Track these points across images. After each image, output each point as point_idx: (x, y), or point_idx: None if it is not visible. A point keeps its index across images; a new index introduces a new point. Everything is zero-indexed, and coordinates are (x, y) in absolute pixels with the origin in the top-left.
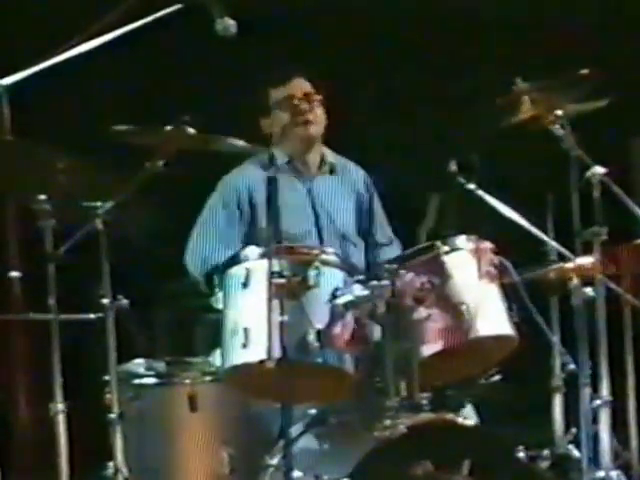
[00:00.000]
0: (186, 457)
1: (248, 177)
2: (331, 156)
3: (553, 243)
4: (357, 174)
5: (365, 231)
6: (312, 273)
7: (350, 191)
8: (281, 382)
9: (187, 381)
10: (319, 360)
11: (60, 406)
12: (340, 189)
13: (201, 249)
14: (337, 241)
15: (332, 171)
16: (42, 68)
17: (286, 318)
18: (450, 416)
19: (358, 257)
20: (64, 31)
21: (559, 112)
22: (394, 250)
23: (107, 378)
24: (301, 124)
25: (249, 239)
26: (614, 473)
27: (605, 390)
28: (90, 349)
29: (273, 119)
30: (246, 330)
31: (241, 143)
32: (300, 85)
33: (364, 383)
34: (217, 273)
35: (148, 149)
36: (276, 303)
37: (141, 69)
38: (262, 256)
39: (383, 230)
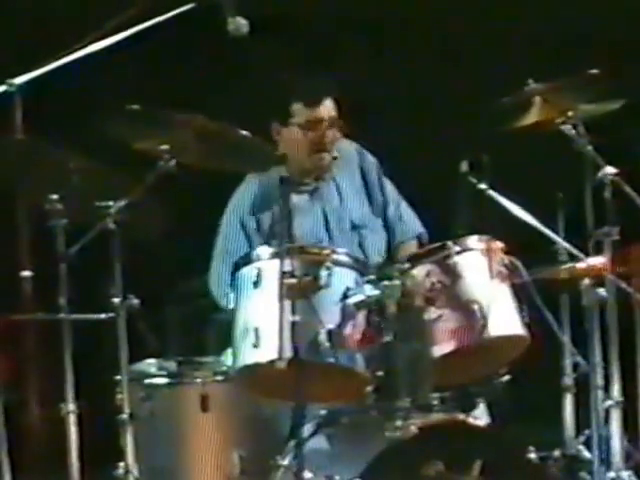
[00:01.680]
0: (197, 457)
1: (251, 195)
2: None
3: (564, 243)
4: (352, 154)
5: (380, 207)
6: (323, 273)
7: (352, 175)
8: (292, 382)
9: (198, 381)
10: (330, 360)
11: (71, 406)
12: (343, 179)
13: (219, 283)
14: (348, 235)
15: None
16: (54, 67)
17: (297, 318)
18: (461, 417)
19: (379, 240)
20: (77, 30)
21: (571, 113)
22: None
23: (118, 378)
24: (318, 153)
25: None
26: (625, 474)
27: (616, 391)
28: (101, 349)
29: (289, 134)
30: (257, 330)
31: (250, 136)
32: (325, 110)
33: (377, 383)
34: None
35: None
36: (287, 303)
37: (154, 68)
38: (273, 256)
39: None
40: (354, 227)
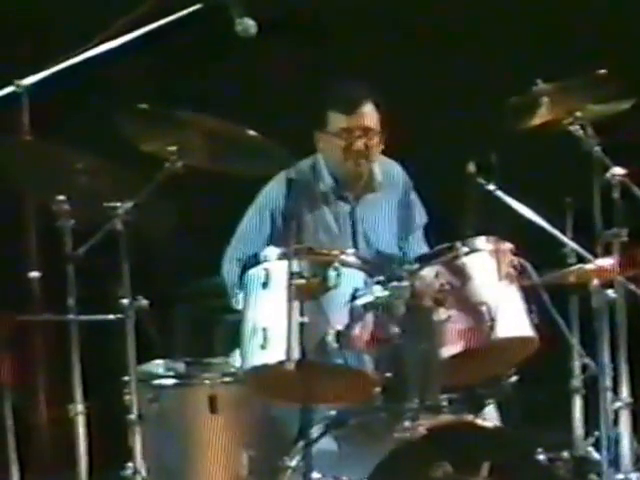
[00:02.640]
0: (205, 458)
1: (284, 191)
2: (379, 174)
3: (573, 244)
4: (399, 179)
5: (406, 241)
6: (332, 274)
7: (393, 202)
8: (300, 383)
9: (206, 382)
10: (339, 361)
11: (79, 407)
12: (383, 205)
13: (236, 273)
14: None
15: (376, 189)
16: (62, 68)
17: (306, 319)
18: (470, 418)
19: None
20: (85, 31)
21: (579, 113)
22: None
23: (126, 379)
24: (353, 160)
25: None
26: (634, 476)
27: (625, 392)
28: (109, 350)
29: (325, 141)
30: (265, 331)
31: (259, 136)
32: (362, 118)
33: (386, 384)
34: None
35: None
36: (296, 304)
37: (162, 69)
38: (282, 257)
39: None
40: (378, 255)
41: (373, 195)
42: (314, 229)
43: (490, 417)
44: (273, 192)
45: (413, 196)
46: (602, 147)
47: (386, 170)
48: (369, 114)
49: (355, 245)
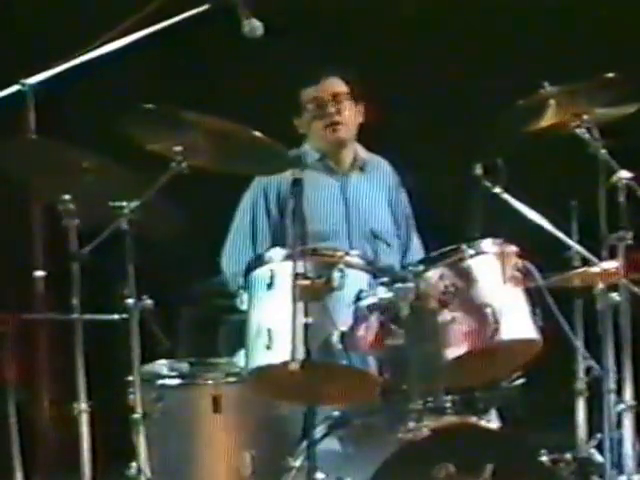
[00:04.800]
0: (209, 458)
1: (278, 177)
2: (363, 153)
3: (578, 247)
4: (387, 171)
5: (399, 230)
6: (336, 275)
7: (383, 189)
8: (304, 384)
9: (210, 382)
10: (343, 362)
11: (83, 406)
12: (373, 188)
13: (233, 256)
14: (366, 241)
15: (363, 169)
16: (67, 67)
17: (310, 320)
18: (474, 419)
19: (392, 257)
20: (91, 30)
21: (585, 116)
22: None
23: (131, 378)
24: (328, 127)
25: (277, 240)
26: (637, 478)
27: (629, 395)
28: (114, 349)
29: (305, 120)
30: (270, 331)
31: (265, 137)
32: (329, 86)
33: (390, 385)
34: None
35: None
36: (300, 305)
37: (168, 69)
38: (287, 258)
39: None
40: (373, 235)
41: (362, 176)
42: (307, 205)
43: (491, 420)
44: (264, 183)
45: (403, 193)
46: (608, 150)
47: (374, 161)
48: (336, 82)
49: (348, 222)
